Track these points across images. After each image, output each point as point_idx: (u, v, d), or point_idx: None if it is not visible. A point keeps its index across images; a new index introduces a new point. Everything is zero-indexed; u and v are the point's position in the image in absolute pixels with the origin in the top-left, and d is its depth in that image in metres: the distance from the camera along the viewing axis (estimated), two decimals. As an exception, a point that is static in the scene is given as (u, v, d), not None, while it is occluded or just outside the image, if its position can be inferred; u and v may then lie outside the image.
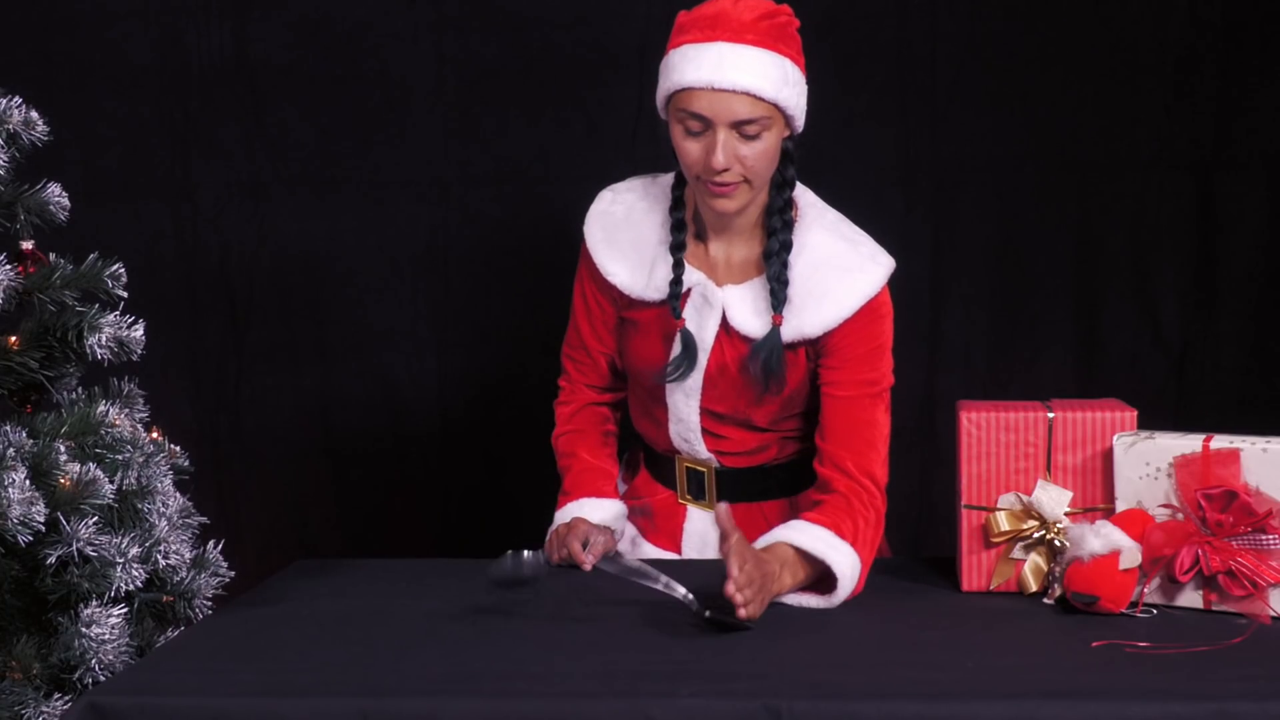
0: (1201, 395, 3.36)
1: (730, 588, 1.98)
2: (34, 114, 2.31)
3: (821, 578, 2.18)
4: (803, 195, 2.39)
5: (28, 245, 2.31)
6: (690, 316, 2.36)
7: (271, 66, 3.35)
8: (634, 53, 3.27)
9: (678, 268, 2.34)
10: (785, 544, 2.16)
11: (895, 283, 2.36)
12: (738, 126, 2.20)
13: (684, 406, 2.40)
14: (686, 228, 2.37)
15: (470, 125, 3.37)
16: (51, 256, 2.33)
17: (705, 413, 2.40)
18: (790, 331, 2.30)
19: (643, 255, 2.39)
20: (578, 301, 2.50)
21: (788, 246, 2.31)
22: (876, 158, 3.34)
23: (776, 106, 2.22)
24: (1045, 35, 3.32)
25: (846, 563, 2.16)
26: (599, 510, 2.44)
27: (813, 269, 2.30)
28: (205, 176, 3.38)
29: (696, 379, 2.37)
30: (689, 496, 2.49)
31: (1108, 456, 2.06)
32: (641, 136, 3.21)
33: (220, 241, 3.40)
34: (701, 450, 2.43)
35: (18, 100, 2.30)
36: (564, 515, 2.45)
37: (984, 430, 2.10)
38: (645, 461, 2.57)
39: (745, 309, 2.33)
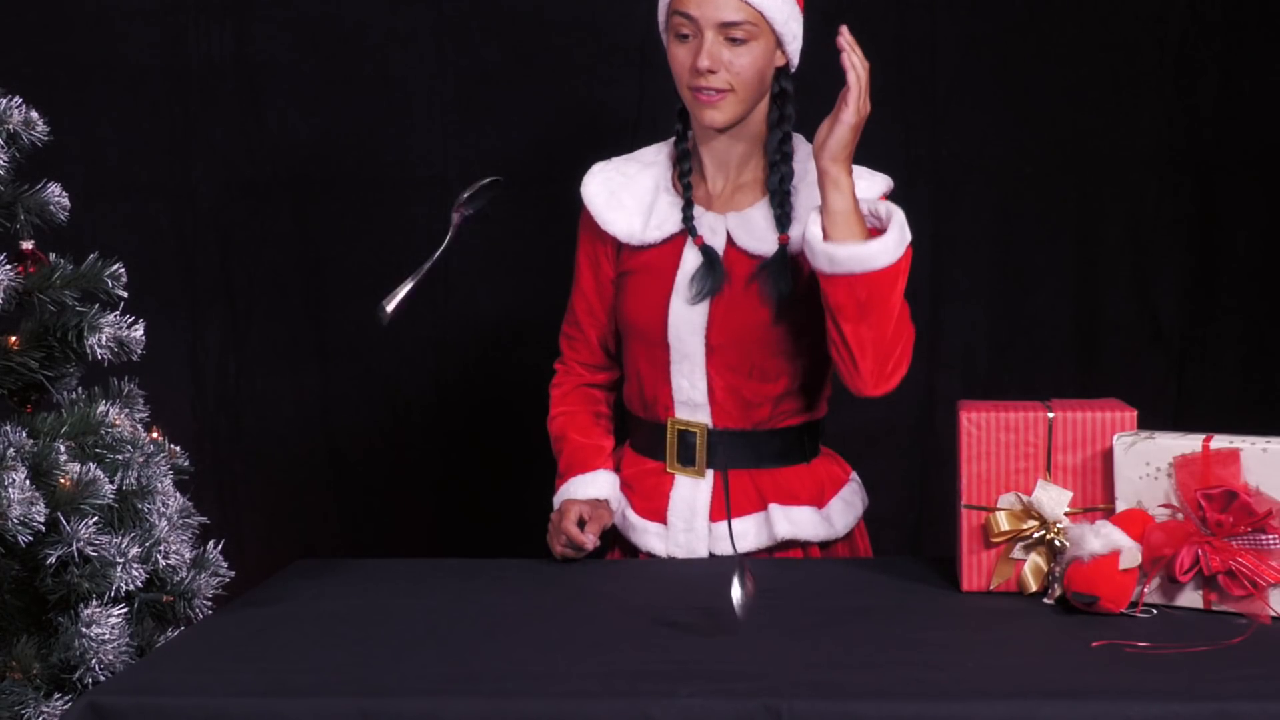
0: (1201, 395, 3.36)
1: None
2: (34, 114, 2.31)
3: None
4: (799, 138, 2.47)
5: (28, 245, 2.31)
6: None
7: (271, 66, 3.35)
8: (634, 52, 3.27)
9: (688, 190, 2.43)
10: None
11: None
12: (724, 29, 2.31)
13: (690, 340, 2.41)
14: (691, 156, 2.45)
15: (470, 125, 3.37)
16: (51, 256, 2.33)
17: (710, 349, 2.40)
18: (797, 240, 2.36)
19: (641, 203, 2.46)
20: (576, 273, 2.56)
21: (790, 176, 2.40)
22: (876, 158, 3.34)
23: (763, 16, 2.33)
24: (1045, 35, 3.32)
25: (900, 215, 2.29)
26: (587, 486, 2.47)
27: (814, 182, 2.34)
28: (205, 176, 3.39)
29: (703, 305, 2.39)
30: (678, 464, 2.48)
31: (1108, 456, 2.06)
32: (642, 136, 3.21)
33: (220, 241, 3.40)
34: (700, 393, 2.43)
35: (18, 100, 2.30)
36: (563, 494, 2.48)
37: (984, 430, 2.10)
38: (632, 439, 2.57)
39: (748, 230, 2.41)
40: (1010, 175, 3.35)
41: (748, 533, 2.44)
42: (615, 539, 2.54)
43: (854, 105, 2.25)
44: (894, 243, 2.26)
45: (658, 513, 2.49)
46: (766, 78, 2.38)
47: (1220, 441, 1.97)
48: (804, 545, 2.47)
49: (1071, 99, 3.32)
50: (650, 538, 2.48)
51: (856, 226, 2.27)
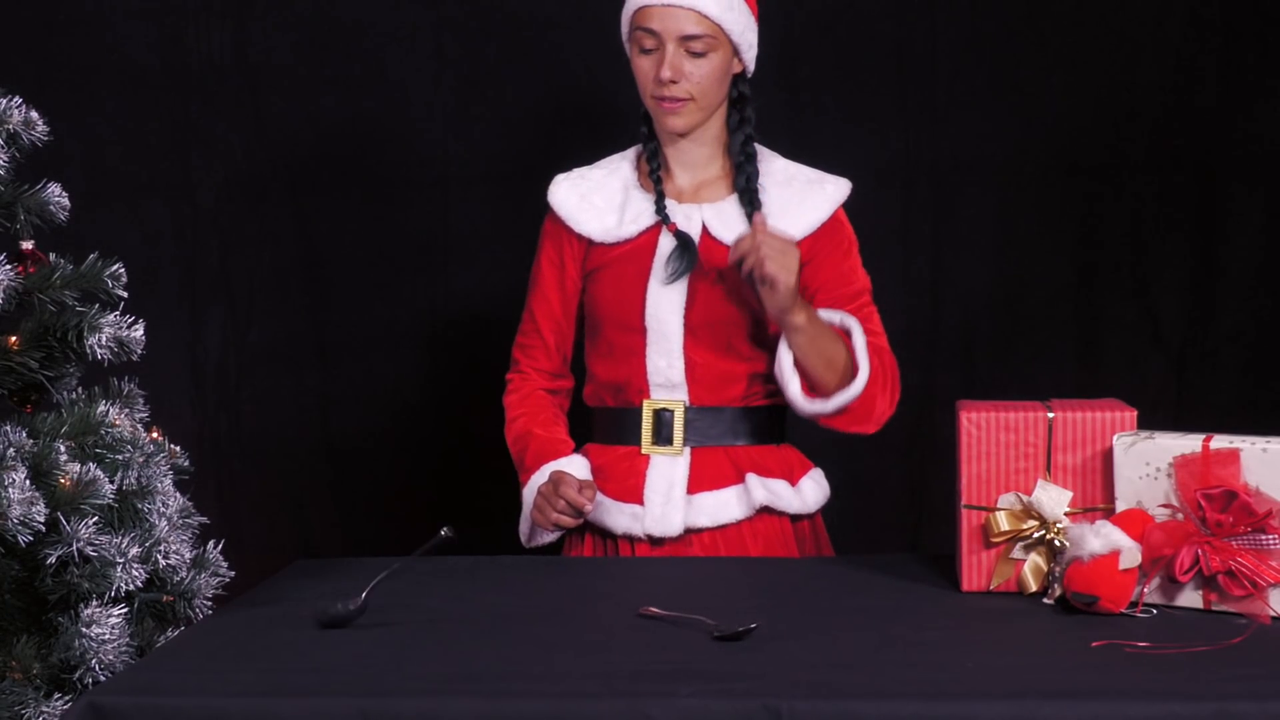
0: (1201, 395, 3.36)
1: (745, 236, 2.34)
2: (34, 114, 2.31)
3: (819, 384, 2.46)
4: (759, 145, 2.58)
5: (28, 245, 2.31)
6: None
7: (271, 66, 3.36)
8: (634, 53, 3.27)
9: (658, 184, 2.53)
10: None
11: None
12: (685, 42, 2.44)
13: (669, 321, 2.49)
14: (660, 153, 2.55)
15: (470, 125, 3.37)
16: (51, 256, 2.33)
17: (689, 329, 2.48)
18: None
19: (611, 202, 2.56)
20: (536, 280, 2.61)
21: (756, 175, 2.52)
22: (877, 158, 3.34)
23: (721, 29, 2.45)
24: (1045, 35, 3.32)
25: (855, 325, 2.45)
26: (569, 466, 2.50)
27: (786, 182, 2.55)
28: (205, 176, 3.39)
29: (681, 284, 2.48)
30: (654, 445, 2.52)
31: (1108, 456, 2.06)
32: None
33: (220, 241, 3.40)
34: (677, 372, 2.49)
35: (18, 100, 2.29)
36: (539, 480, 2.50)
37: (984, 430, 2.10)
38: (598, 432, 2.60)
39: (723, 222, 2.51)
40: (1010, 175, 3.35)
41: (728, 503, 2.50)
42: (585, 526, 2.56)
43: (784, 274, 2.34)
44: (864, 376, 2.44)
45: (632, 492, 2.52)
46: (725, 85, 2.50)
47: (1220, 441, 1.97)
48: (779, 515, 2.54)
49: (1071, 99, 3.32)
50: (624, 518, 2.51)
51: (823, 342, 2.43)
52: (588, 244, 2.55)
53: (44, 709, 2.12)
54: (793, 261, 2.34)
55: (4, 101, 2.27)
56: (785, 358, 2.44)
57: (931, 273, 3.35)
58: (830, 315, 2.47)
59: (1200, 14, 3.29)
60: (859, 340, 2.45)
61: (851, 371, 2.45)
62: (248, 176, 3.39)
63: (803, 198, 2.53)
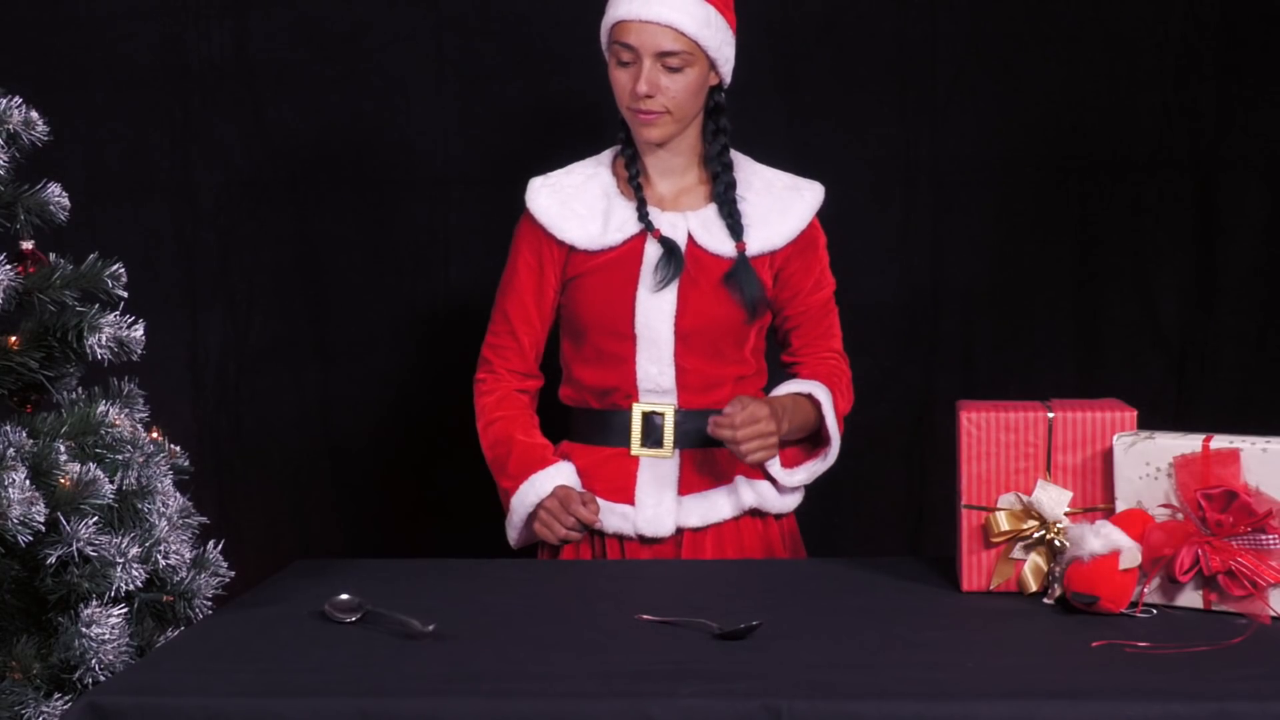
0: (1201, 395, 3.36)
1: (723, 424, 2.38)
2: (34, 114, 2.31)
3: (809, 439, 2.59)
4: (735, 152, 2.62)
5: (28, 245, 2.31)
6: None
7: (271, 66, 3.36)
8: (634, 53, 3.27)
9: (639, 191, 2.55)
10: (771, 396, 2.52)
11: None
12: (662, 58, 2.46)
13: (659, 328, 2.52)
14: (639, 159, 2.58)
15: (469, 125, 3.37)
16: (51, 256, 2.33)
17: (679, 336, 2.51)
18: (760, 243, 2.55)
19: (593, 209, 2.57)
20: (510, 281, 2.62)
21: (733, 185, 2.56)
22: (876, 158, 3.34)
23: (698, 45, 2.47)
24: (1045, 35, 3.32)
25: (825, 396, 2.54)
26: (554, 478, 2.51)
27: (765, 189, 2.59)
28: (205, 176, 3.39)
29: (671, 292, 2.50)
30: (644, 447, 2.55)
31: (1108, 456, 2.06)
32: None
33: (220, 241, 3.40)
34: (668, 378, 2.52)
35: (18, 100, 2.29)
36: (530, 491, 2.51)
37: (984, 430, 2.10)
38: (578, 432, 2.61)
39: (708, 231, 2.55)
40: (1010, 175, 3.35)
41: (718, 503, 2.55)
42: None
43: (768, 453, 2.45)
44: (837, 440, 2.57)
45: (621, 492, 2.54)
46: (701, 97, 2.53)
47: (1220, 441, 1.97)
48: (763, 515, 2.59)
49: (1071, 100, 3.32)
50: (614, 518, 2.54)
51: (798, 424, 2.52)
52: (568, 250, 2.56)
53: (44, 709, 2.12)
54: (772, 439, 2.43)
55: (4, 101, 2.27)
56: (774, 465, 2.53)
57: (931, 273, 3.35)
58: (799, 387, 2.55)
59: (1200, 14, 3.29)
60: (830, 417, 2.54)
61: (817, 412, 2.55)
62: (248, 176, 3.39)
63: (784, 206, 2.57)
